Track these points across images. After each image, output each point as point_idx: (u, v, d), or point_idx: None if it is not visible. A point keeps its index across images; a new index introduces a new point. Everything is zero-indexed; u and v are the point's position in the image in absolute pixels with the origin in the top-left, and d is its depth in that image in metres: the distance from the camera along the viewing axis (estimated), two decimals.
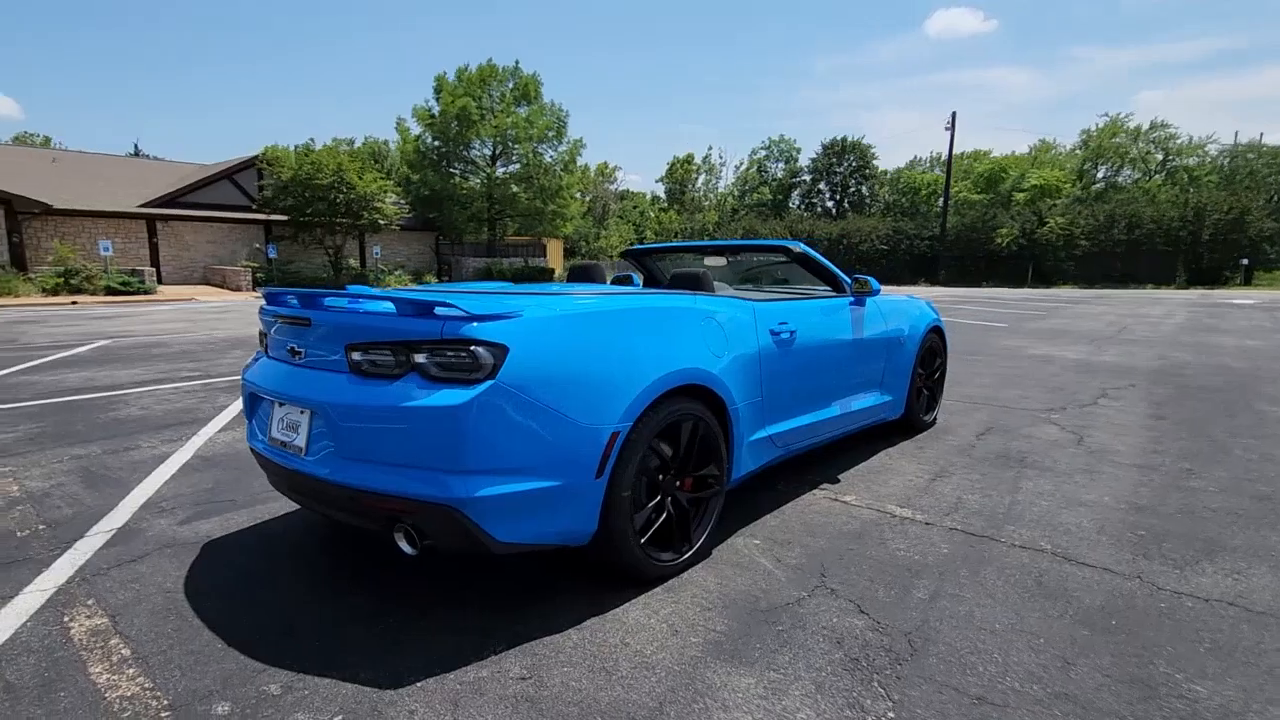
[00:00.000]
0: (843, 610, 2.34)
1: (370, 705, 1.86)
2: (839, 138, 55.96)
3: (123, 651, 2.12)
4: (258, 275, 24.86)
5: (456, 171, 33.89)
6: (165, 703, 1.88)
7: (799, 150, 64.04)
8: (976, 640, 2.16)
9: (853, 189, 58.02)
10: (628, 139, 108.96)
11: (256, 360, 2.76)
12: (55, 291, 20.34)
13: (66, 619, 2.32)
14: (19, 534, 3.03)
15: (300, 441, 2.31)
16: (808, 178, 60.53)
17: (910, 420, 4.60)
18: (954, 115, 36.41)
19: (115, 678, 1.99)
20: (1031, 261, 35.36)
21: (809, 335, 3.42)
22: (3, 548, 2.88)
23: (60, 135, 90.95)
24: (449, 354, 2.06)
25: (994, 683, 1.94)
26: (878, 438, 4.53)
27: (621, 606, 2.38)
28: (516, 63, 34.37)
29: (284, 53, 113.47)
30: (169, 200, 26.01)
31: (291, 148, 28.25)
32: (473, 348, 2.04)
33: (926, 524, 3.11)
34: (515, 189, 34.35)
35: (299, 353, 2.41)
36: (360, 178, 26.38)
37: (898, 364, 4.29)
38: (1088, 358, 8.41)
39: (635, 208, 77.45)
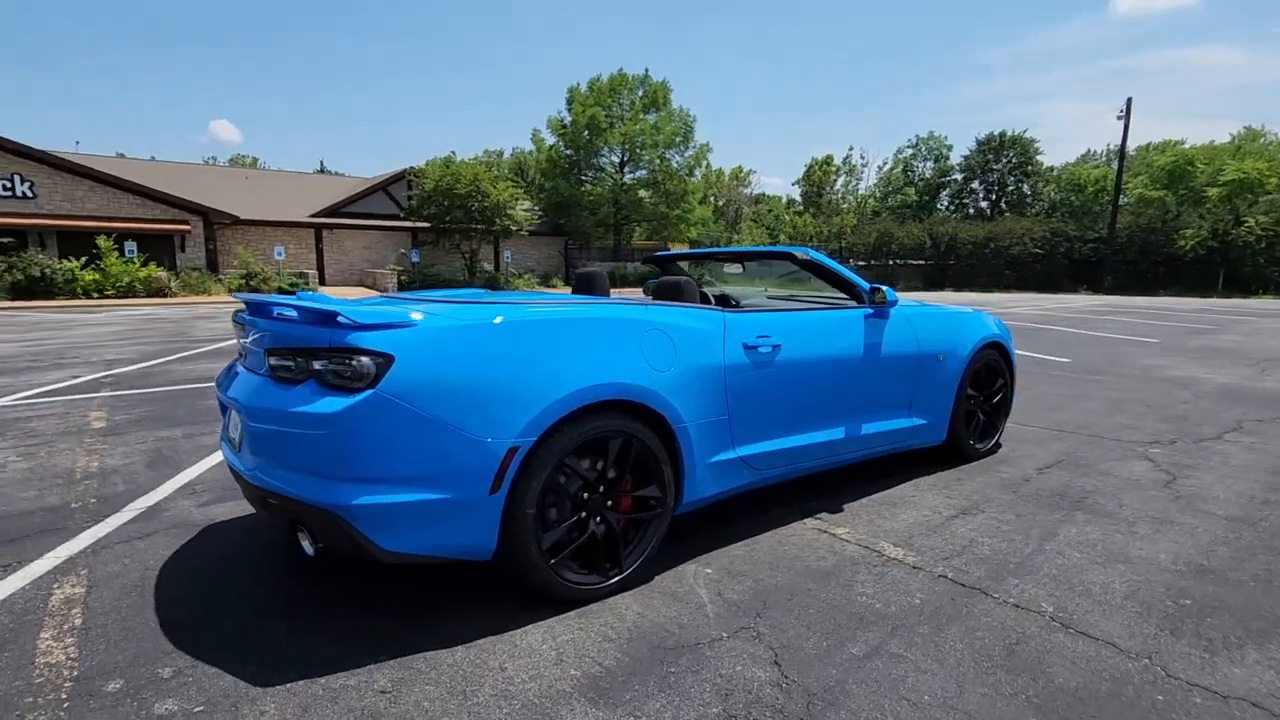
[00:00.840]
0: (755, 659, 2.11)
1: (233, 699, 1.92)
2: (997, 132, 51.58)
3: (75, 621, 2.35)
4: (401, 277, 27.11)
5: (587, 179, 35.00)
6: (75, 674, 2.05)
7: (950, 148, 59.89)
8: (891, 712, 1.86)
9: (1011, 187, 53.33)
10: (768, 142, 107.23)
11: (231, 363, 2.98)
12: (237, 290, 23.40)
13: (55, 586, 2.61)
14: (72, 505, 3.47)
15: (238, 441, 2.45)
16: (959, 176, 56.41)
17: (956, 447, 4.10)
18: (1129, 102, 32.36)
19: (54, 645, 2.21)
20: (1223, 267, 30.57)
21: (799, 349, 3.14)
22: (53, 517, 3.31)
23: (266, 156, 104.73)
24: (337, 361, 2.09)
25: None
26: (913, 465, 4.08)
27: (525, 627, 2.30)
28: (646, 70, 35.01)
29: (454, 71, 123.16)
30: (333, 211, 29.05)
31: (441, 159, 30.55)
32: (356, 356, 2.06)
33: (914, 568, 2.74)
34: (641, 194, 34.94)
35: (243, 356, 2.56)
36: (494, 187, 27.98)
37: (935, 384, 3.84)
38: (1241, 383, 7.09)
39: (770, 211, 76.06)
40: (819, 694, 1.94)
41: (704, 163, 36.36)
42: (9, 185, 21.05)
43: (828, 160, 72.15)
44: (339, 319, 2.09)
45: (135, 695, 1.95)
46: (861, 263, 40.61)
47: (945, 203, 58.18)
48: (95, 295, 20.51)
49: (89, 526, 3.19)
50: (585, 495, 2.46)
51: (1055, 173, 53.99)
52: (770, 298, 4.45)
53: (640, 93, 35.11)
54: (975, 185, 54.71)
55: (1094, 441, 4.66)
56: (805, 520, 3.25)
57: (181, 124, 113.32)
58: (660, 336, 2.64)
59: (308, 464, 2.10)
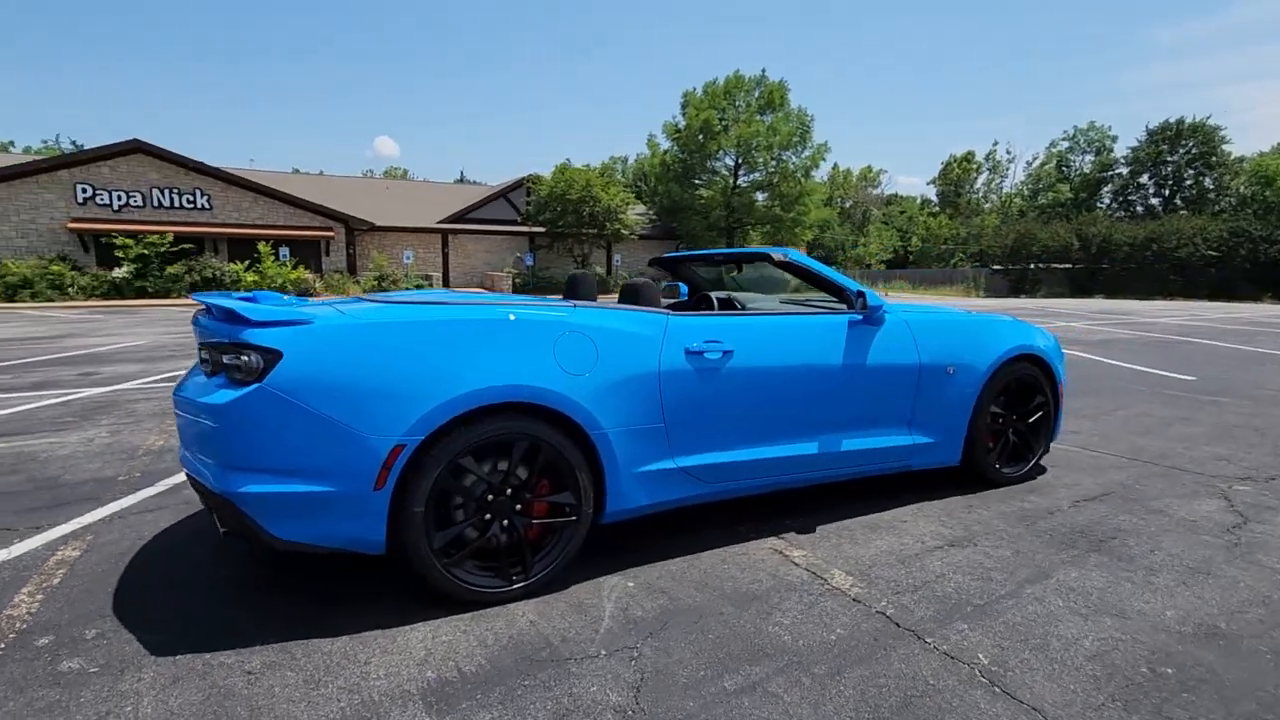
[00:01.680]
0: (617, 682, 2.00)
1: (125, 664, 2.08)
2: (1173, 120, 45.84)
3: (54, 581, 2.66)
4: (515, 280, 28.40)
5: (701, 182, 34.92)
6: (23, 627, 2.31)
7: (1114, 139, 54.17)
8: None
9: (1189, 181, 47.21)
10: (903, 140, 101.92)
11: None
12: (369, 291, 25.55)
13: (60, 549, 2.97)
14: (119, 478, 3.93)
15: None
16: (1124, 170, 50.76)
17: (977, 471, 3.67)
18: None
19: (25, 600, 2.50)
20: None
21: (757, 356, 2.94)
22: (98, 488, 3.76)
23: (417, 168, 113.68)
24: (232, 356, 2.22)
25: None
26: (924, 487, 3.70)
27: (414, 625, 2.32)
28: (763, 71, 34.45)
29: (586, 79, 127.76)
30: (458, 217, 30.98)
31: (558, 166, 31.74)
32: (247, 351, 2.18)
33: (854, 600, 2.48)
34: (756, 197, 34.38)
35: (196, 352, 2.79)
36: (605, 192, 28.64)
37: (944, 399, 3.46)
38: None
39: (902, 212, 72.25)
40: None
41: (821, 163, 35.13)
42: (192, 199, 24.29)
43: (968, 157, 67.42)
44: (237, 316, 2.21)
45: (54, 651, 2.16)
46: (997, 267, 37.50)
47: (1107, 200, 52.49)
48: None
49: (119, 498, 3.60)
50: (490, 497, 2.44)
51: (1243, 164, 47.09)
52: (784, 302, 4.21)
53: (756, 94, 34.55)
54: (1144, 179, 48.95)
55: (1167, 473, 4.00)
56: (768, 539, 3.04)
57: (351, 141, 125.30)
58: (579, 340, 2.57)
59: (209, 451, 2.24)
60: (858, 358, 3.20)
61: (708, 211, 33.97)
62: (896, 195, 76.73)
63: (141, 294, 22.11)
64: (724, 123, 34.08)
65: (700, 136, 33.54)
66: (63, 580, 2.66)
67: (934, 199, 72.59)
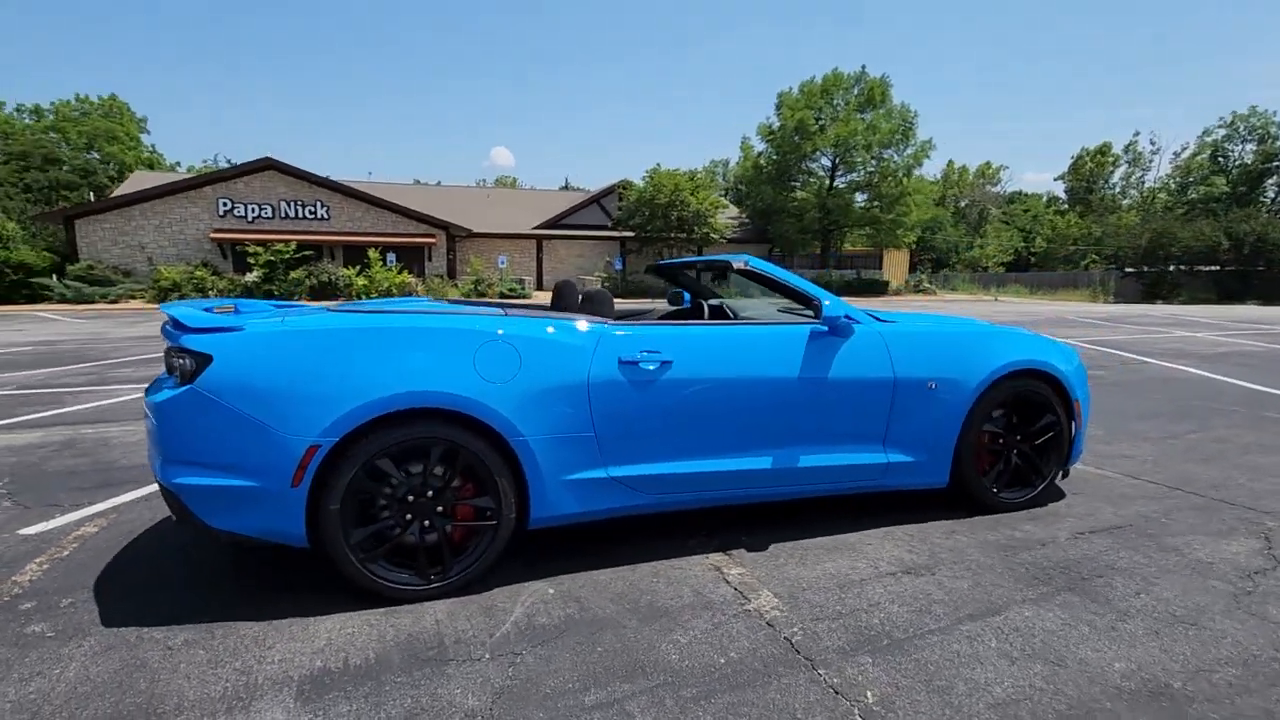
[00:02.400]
0: (484, 687, 2.04)
1: (77, 631, 2.34)
2: None
3: (63, 554, 3.02)
4: (604, 284, 28.92)
5: (797, 184, 34.12)
6: (17, 593, 2.65)
7: None
8: None
9: None
10: (1025, 134, 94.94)
11: None
12: (467, 295, 26.87)
13: (84, 525, 3.36)
14: None
15: None
16: None
17: (968, 493, 3.40)
18: None
19: (33, 569, 2.86)
20: None
21: (699, 367, 2.88)
22: (142, 473, 4.21)
23: (528, 176, 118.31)
24: (174, 359, 2.45)
25: None
26: (909, 508, 3.46)
27: (329, 615, 2.45)
28: (863, 68, 33.24)
29: (691, 86, 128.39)
30: (552, 223, 31.96)
31: (648, 171, 32.08)
32: (184, 355, 2.40)
33: (768, 624, 2.38)
34: (854, 198, 33.16)
35: None
36: (694, 196, 28.62)
37: (926, 416, 3.23)
38: None
39: (1026, 210, 67.37)
40: None
41: (925, 161, 33.34)
42: (313, 210, 26.53)
43: (1103, 150, 61.97)
44: (179, 323, 2.44)
45: (30, 615, 2.47)
46: (1130, 270, 34.13)
47: (1271, 194, 46.48)
48: (362, 297, 24.97)
49: (154, 483, 4.02)
50: (410, 498, 2.55)
51: None
52: (781, 310, 4.08)
53: (856, 91, 33.33)
54: None
55: (1208, 506, 3.53)
56: (713, 555, 2.97)
57: (471, 152, 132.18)
58: (501, 348, 2.63)
59: (154, 445, 2.48)
60: (818, 370, 3.06)
61: (801, 214, 33.11)
62: (1020, 193, 71.63)
63: (269, 296, 24.35)
64: (820, 122, 33.13)
65: (795, 137, 32.75)
66: (71, 554, 3.01)
67: (1062, 196, 67.16)
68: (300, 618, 2.44)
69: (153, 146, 56.79)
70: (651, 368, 2.82)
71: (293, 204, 26.23)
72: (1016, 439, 3.49)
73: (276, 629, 2.37)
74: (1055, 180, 67.96)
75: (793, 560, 2.91)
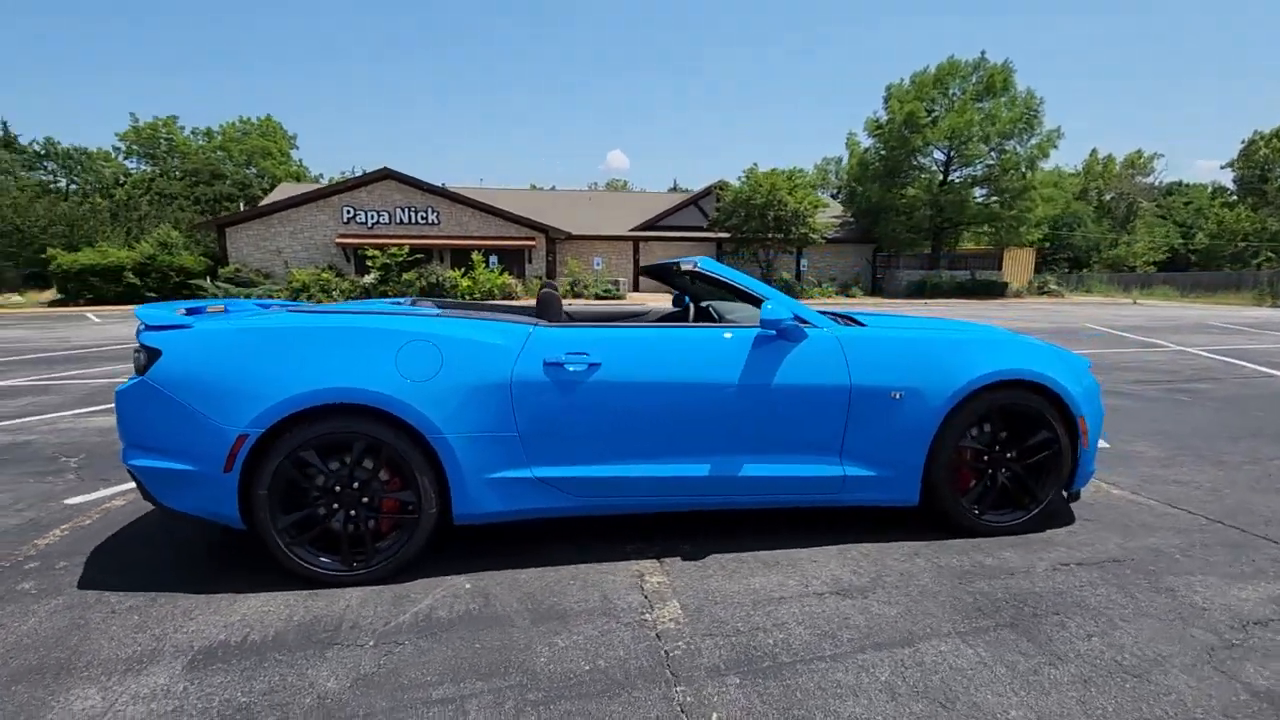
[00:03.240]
0: (347, 673, 2.13)
1: (53, 590, 2.66)
2: None
3: (85, 523, 3.43)
4: None
5: (908, 179, 32.41)
6: (32, 553, 3.05)
7: None
8: None
9: None
10: (1185, 119, 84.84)
11: None
12: (563, 296, 27.67)
13: (112, 500, 3.79)
14: None
15: None
16: None
17: (944, 514, 3.13)
18: None
19: (56, 534, 3.28)
20: None
21: (629, 370, 2.84)
22: None
23: (640, 179, 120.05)
24: (135, 354, 2.72)
25: None
26: (881, 526, 3.23)
27: (259, 593, 2.64)
28: (982, 54, 31.04)
29: (806, 85, 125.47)
30: (649, 225, 32.25)
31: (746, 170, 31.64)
32: (140, 350, 2.67)
33: (656, 635, 2.32)
34: (967, 194, 31.06)
35: None
36: (791, 195, 27.91)
37: (889, 427, 3.00)
38: None
39: (1188, 203, 60.43)
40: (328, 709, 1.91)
41: (1052, 151, 30.60)
42: (424, 215, 28.30)
43: None
44: (141, 322, 2.71)
45: (28, 573, 2.84)
46: None
47: None
48: (465, 297, 26.35)
49: None
50: (336, 488, 2.69)
51: None
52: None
53: (974, 79, 31.17)
54: None
55: (1242, 544, 3.04)
56: (643, 561, 2.92)
57: (587, 155, 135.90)
58: (424, 348, 2.72)
59: (119, 430, 2.77)
60: (762, 376, 2.92)
61: (911, 211, 31.35)
62: (1180, 184, 64.32)
63: (383, 296, 26.26)
64: (933, 114, 31.29)
65: (904, 130, 31.08)
66: (92, 523, 3.42)
67: (1231, 186, 59.56)
68: (236, 594, 2.64)
69: (299, 160, 62.70)
70: (578, 369, 2.81)
71: (407, 210, 28.09)
72: (1007, 457, 3.17)
73: (208, 602, 2.58)
74: (1222, 169, 60.33)
75: (723, 572, 2.81)
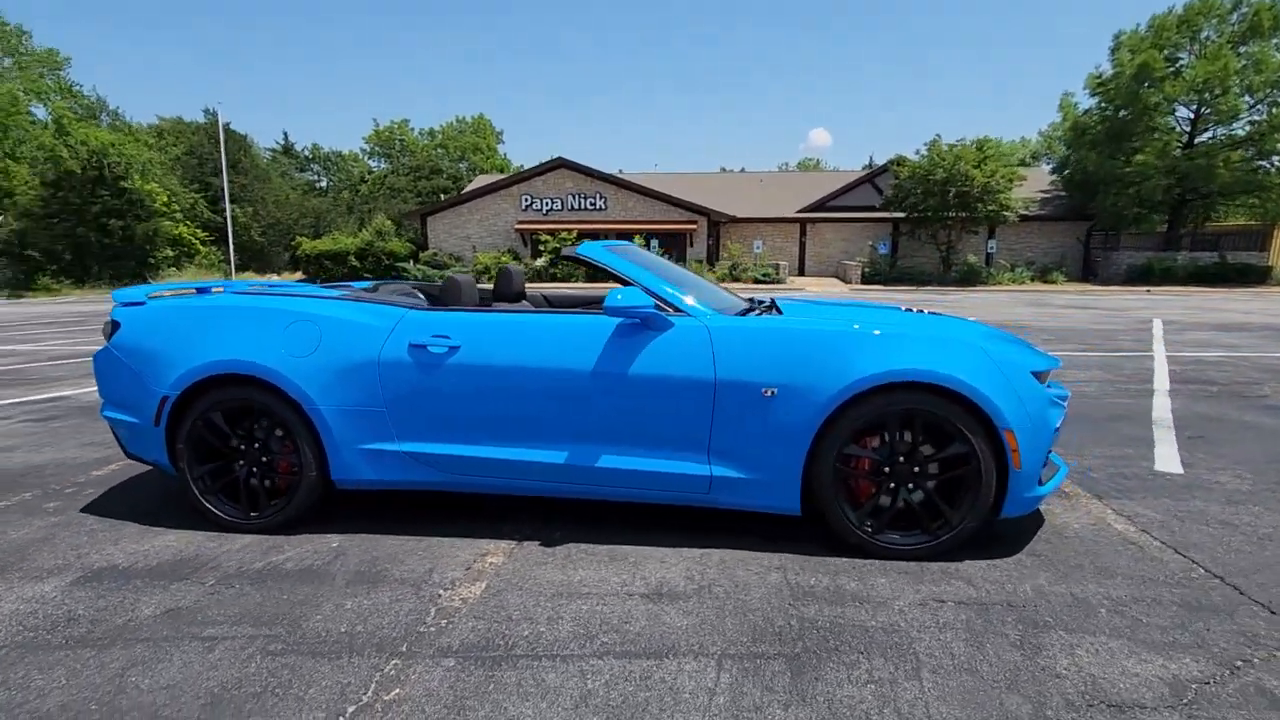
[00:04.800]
0: (155, 603, 2.49)
1: (60, 510, 3.39)
2: None
3: (111, 469, 4.26)
4: (865, 270, 27.03)
5: (1138, 143, 27.50)
6: (83, 480, 3.87)
7: None
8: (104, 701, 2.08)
9: None
10: None
11: None
12: (721, 279, 27.51)
13: None
14: None
15: None
16: None
17: (830, 529, 2.79)
18: None
19: (113, 467, 4.12)
20: None
21: (485, 354, 2.90)
22: None
23: (839, 158, 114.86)
24: (106, 325, 3.32)
25: None
26: (771, 535, 2.96)
27: (188, 531, 3.12)
28: None
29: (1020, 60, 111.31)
30: (818, 205, 30.84)
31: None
32: (107, 322, 3.26)
33: (433, 612, 2.40)
34: (1221, 159, 25.57)
35: None
36: (979, 169, 25.05)
37: (761, 427, 2.74)
38: None
39: None
40: (123, 638, 2.26)
41: None
42: (593, 201, 29.68)
43: None
44: (113, 299, 3.31)
45: (63, 495, 3.62)
46: None
47: None
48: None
49: None
50: (242, 448, 3.10)
51: None
52: (748, 299, 3.77)
53: (1234, 19, 25.45)
54: None
55: (1211, 608, 2.34)
56: (500, 542, 2.98)
57: (787, 134, 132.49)
58: (307, 327, 3.01)
59: (98, 387, 3.39)
60: (620, 365, 2.82)
61: (1140, 181, 26.44)
62: None
63: (551, 279, 28.09)
64: (1176, 65, 26.11)
65: (1136, 85, 26.26)
66: (123, 470, 4.23)
67: None
68: (167, 529, 3.16)
69: (505, 154, 68.62)
70: (439, 351, 2.94)
71: (578, 196, 29.65)
72: (914, 470, 2.74)
73: (142, 534, 3.12)
74: None
75: (561, 561, 2.79)
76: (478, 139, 65.05)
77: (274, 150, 59.69)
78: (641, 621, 2.32)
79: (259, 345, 3.00)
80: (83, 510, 3.41)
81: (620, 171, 35.30)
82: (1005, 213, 25.92)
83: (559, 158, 29.62)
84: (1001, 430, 2.63)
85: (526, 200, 29.94)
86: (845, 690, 1.94)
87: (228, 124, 40.72)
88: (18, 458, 4.37)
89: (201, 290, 3.37)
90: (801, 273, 30.95)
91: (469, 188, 34.59)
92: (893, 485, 2.76)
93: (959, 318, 3.61)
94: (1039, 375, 2.89)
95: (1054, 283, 26.49)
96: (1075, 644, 2.15)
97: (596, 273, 3.14)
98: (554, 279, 27.75)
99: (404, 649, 2.17)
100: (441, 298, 3.39)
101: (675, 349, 2.81)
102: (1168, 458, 4.11)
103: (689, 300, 2.95)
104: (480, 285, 3.94)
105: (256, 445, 3.09)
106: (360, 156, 66.16)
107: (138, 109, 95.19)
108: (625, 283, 3.00)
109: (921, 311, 3.62)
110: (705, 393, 2.78)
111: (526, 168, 33.69)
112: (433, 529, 3.12)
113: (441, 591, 2.55)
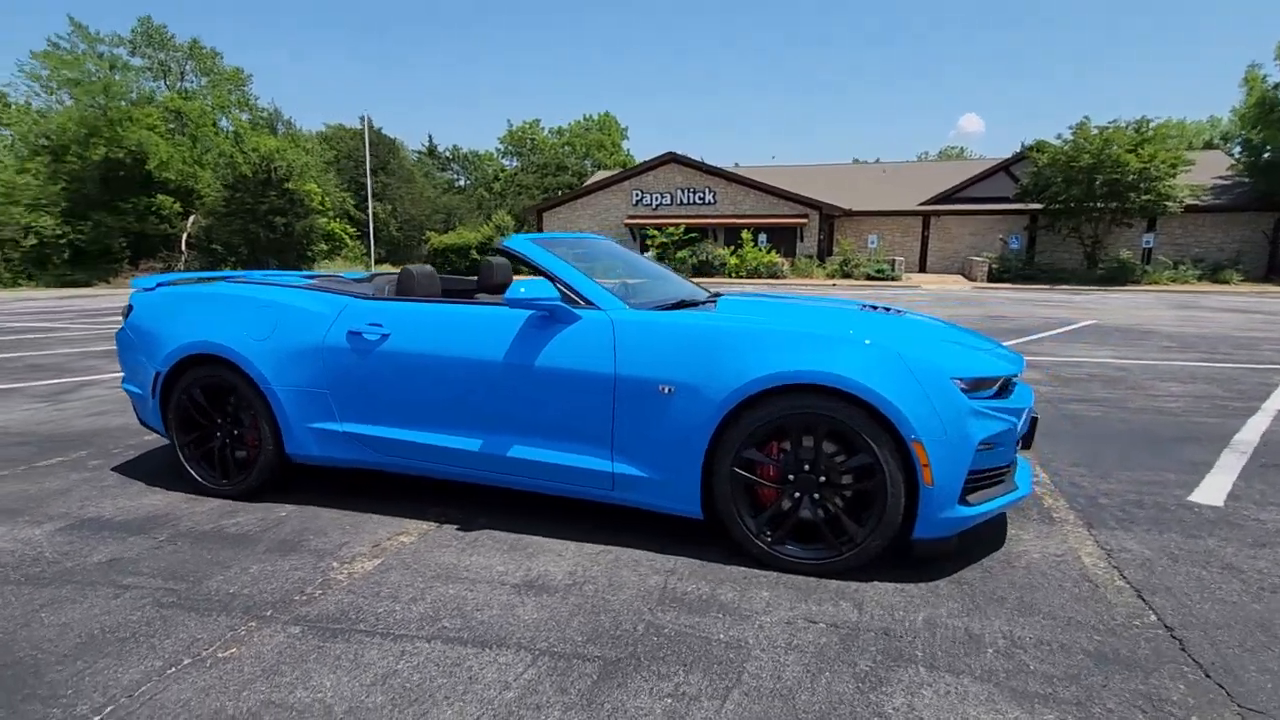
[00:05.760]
0: (111, 552, 2.82)
1: (95, 468, 3.92)
2: None
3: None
4: (992, 267, 24.89)
5: None
6: (132, 444, 4.45)
7: None
8: None
9: None
10: None
11: None
12: (831, 276, 26.46)
13: None
14: None
15: None
16: None
17: (731, 534, 2.65)
18: None
19: (149, 437, 4.70)
20: None
21: (410, 342, 3.03)
22: None
23: (990, 147, 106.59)
24: (125, 308, 3.78)
25: None
26: (685, 538, 2.85)
27: (172, 493, 3.52)
28: None
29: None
30: (945, 197, 28.79)
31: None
32: (127, 306, 3.72)
33: (319, 584, 2.55)
34: None
35: None
36: (1133, 154, 22.29)
37: (661, 427, 2.65)
38: None
39: None
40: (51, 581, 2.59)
41: None
42: (701, 196, 29.52)
43: None
44: (132, 286, 3.77)
45: (104, 454, 4.18)
46: None
47: None
48: (731, 276, 26.92)
49: None
50: (219, 420, 3.43)
51: None
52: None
53: None
54: None
55: (1118, 660, 1.98)
56: (422, 523, 3.10)
57: (934, 123, 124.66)
58: (269, 313, 3.27)
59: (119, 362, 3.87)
60: (527, 356, 2.83)
61: None
62: None
63: None
64: None
65: None
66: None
67: None
68: (160, 489, 3.56)
69: (628, 150, 69.83)
70: (372, 338, 3.09)
71: (687, 191, 29.61)
72: (820, 480, 2.54)
73: (143, 492, 3.54)
74: None
75: (462, 547, 2.85)
76: (602, 136, 66.61)
77: (419, 152, 64.56)
78: (494, 611, 2.34)
79: (226, 329, 3.31)
80: (112, 469, 3.91)
81: (736, 165, 34.84)
82: (1166, 203, 22.90)
83: (669, 153, 29.72)
84: (909, 441, 2.38)
85: (636, 195, 30.30)
86: (639, 701, 1.85)
87: (379, 129, 44.58)
88: (100, 421, 5.08)
89: (203, 280, 3.76)
90: (922, 269, 29.07)
91: (589, 184, 35.55)
92: (797, 495, 2.58)
93: (920, 319, 3.30)
94: (985, 382, 2.58)
95: (1226, 282, 23.07)
96: (927, 684, 1.92)
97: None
98: None
99: (267, 614, 2.33)
100: (399, 289, 3.56)
101: (578, 342, 2.79)
102: (1213, 488, 3.50)
103: (601, 293, 2.90)
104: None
105: (228, 420, 3.41)
106: (495, 156, 69.94)
107: (308, 118, 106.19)
108: (542, 274, 3.00)
109: (887, 310, 3.33)
110: (606, 387, 2.73)
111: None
112: (374, 506, 3.30)
113: (336, 564, 2.70)
